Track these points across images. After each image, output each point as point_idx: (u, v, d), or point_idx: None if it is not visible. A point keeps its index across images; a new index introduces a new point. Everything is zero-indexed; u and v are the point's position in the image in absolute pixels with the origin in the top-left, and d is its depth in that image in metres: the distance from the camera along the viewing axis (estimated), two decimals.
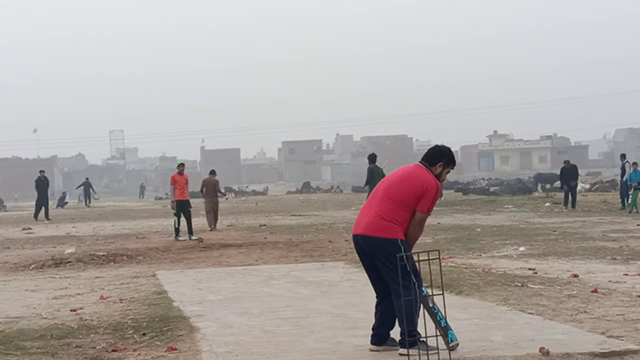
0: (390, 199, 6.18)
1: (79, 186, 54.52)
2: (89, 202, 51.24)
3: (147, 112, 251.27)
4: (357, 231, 6.34)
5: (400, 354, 6.08)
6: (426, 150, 6.56)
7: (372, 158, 22.45)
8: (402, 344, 6.11)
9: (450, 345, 6.05)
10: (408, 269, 6.04)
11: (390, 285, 6.18)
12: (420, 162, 6.41)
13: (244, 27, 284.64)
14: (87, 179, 55.93)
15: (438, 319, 6.11)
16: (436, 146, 6.53)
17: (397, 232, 6.14)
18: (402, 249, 6.07)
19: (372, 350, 6.34)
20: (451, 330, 6.13)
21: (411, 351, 5.92)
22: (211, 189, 22.59)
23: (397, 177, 6.33)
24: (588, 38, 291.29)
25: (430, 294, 6.18)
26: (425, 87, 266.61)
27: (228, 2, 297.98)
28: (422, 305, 6.08)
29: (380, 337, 6.37)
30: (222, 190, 23.37)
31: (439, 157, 6.36)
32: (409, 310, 6.00)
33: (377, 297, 6.46)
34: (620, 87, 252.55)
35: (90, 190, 51.60)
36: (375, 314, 6.44)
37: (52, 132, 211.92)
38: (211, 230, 21.63)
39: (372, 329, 6.44)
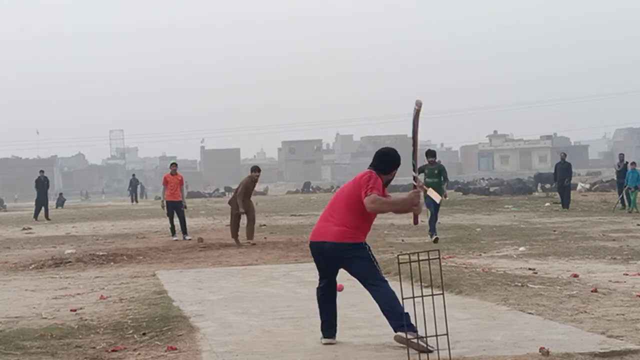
0: (347, 207, 6.38)
1: (132, 182, 52.61)
2: (137, 199, 51.00)
3: (147, 112, 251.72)
4: (323, 238, 6.43)
5: (396, 340, 6.15)
6: (378, 156, 6.51)
7: None
8: (397, 329, 6.16)
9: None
10: (376, 264, 6.34)
11: (364, 285, 6.40)
12: (372, 169, 6.48)
13: (244, 27, 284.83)
14: (133, 175, 55.35)
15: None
16: (388, 154, 6.54)
17: (361, 237, 6.42)
18: (368, 248, 6.40)
19: (325, 344, 6.47)
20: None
21: (409, 334, 5.90)
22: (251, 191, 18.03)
23: (348, 185, 6.55)
24: (588, 38, 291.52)
25: (430, 293, 6.17)
26: (425, 87, 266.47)
27: (228, 2, 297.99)
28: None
29: (334, 329, 6.58)
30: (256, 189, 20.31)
31: (395, 166, 6.51)
32: (390, 306, 6.15)
33: (320, 284, 6.61)
34: (620, 87, 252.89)
35: (137, 187, 51.01)
36: (321, 306, 6.60)
37: (52, 132, 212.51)
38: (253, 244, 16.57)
39: (323, 322, 6.59)
